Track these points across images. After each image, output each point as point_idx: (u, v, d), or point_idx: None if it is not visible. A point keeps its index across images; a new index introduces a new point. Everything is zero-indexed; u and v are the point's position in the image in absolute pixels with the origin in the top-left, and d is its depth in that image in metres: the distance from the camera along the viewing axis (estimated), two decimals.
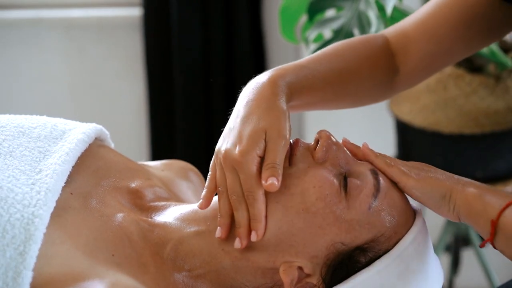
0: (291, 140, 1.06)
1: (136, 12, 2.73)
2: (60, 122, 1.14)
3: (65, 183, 1.03)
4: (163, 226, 1.06)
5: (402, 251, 1.03)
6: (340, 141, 1.08)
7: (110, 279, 0.95)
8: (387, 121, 2.44)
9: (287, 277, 1.00)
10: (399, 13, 1.99)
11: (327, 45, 1.77)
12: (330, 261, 1.01)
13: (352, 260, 1.02)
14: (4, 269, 0.93)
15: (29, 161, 1.05)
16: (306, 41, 1.89)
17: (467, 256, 2.45)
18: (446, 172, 1.06)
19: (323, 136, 1.05)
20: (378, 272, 1.02)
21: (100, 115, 2.84)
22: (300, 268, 1.01)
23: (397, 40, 1.25)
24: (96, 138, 1.15)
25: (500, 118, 2.10)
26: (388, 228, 1.03)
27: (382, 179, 1.05)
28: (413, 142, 2.21)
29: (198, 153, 2.69)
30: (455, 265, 2.40)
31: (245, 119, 1.05)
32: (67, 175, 1.04)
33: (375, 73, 1.23)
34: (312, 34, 1.84)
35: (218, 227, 1.02)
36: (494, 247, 1.00)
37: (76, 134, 1.10)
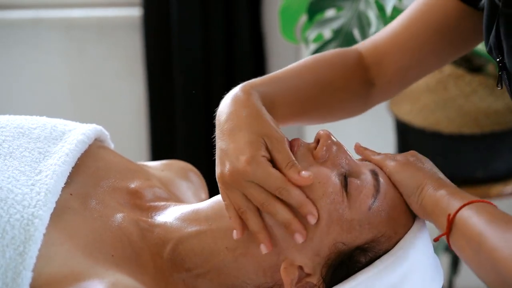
0: (291, 140, 1.06)
1: (136, 12, 2.73)
2: (60, 123, 1.14)
3: (64, 184, 1.03)
4: (163, 226, 1.06)
5: (402, 251, 1.03)
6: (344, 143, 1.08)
7: (110, 279, 0.95)
8: (387, 121, 2.44)
9: (287, 277, 1.01)
10: (399, 13, 1.99)
11: (327, 45, 1.79)
12: (330, 260, 1.02)
13: (353, 260, 1.02)
14: (4, 270, 0.93)
15: (29, 162, 1.05)
16: (306, 41, 1.89)
17: None
18: (435, 169, 1.07)
19: (323, 136, 1.05)
20: (379, 272, 1.02)
21: (100, 115, 2.84)
22: (300, 267, 1.01)
23: (370, 53, 1.24)
24: (96, 139, 1.15)
25: (500, 118, 2.10)
26: (388, 229, 1.03)
27: (382, 180, 1.05)
28: (413, 142, 2.21)
29: (198, 153, 2.69)
30: (455, 265, 2.40)
31: (234, 132, 1.01)
32: (67, 176, 1.04)
33: (349, 85, 1.22)
34: (312, 34, 1.84)
35: (262, 245, 1.00)
36: (450, 247, 1.00)
37: (76, 135, 1.10)
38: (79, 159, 1.08)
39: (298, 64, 1.19)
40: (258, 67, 2.71)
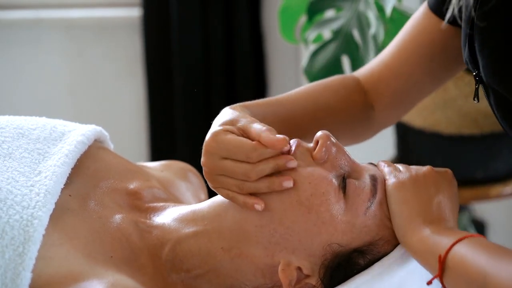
0: (291, 141, 1.06)
1: (135, 13, 2.73)
2: (60, 124, 1.14)
3: (64, 185, 1.03)
4: (161, 227, 1.06)
5: (402, 254, 1.03)
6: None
7: (109, 279, 0.95)
8: None
9: (286, 278, 1.01)
10: (399, 14, 1.99)
11: (327, 46, 1.79)
12: (327, 262, 1.02)
13: (351, 262, 1.02)
14: (3, 270, 0.94)
15: (29, 163, 1.05)
16: (306, 42, 1.89)
17: None
18: (439, 197, 1.03)
19: (323, 137, 1.05)
20: (378, 275, 1.02)
21: (99, 115, 2.84)
22: (299, 268, 1.02)
23: (366, 80, 1.27)
24: (95, 140, 1.15)
25: None
26: (386, 232, 1.04)
27: (379, 186, 1.05)
28: (412, 143, 2.21)
29: (198, 154, 2.68)
30: None
31: (211, 127, 1.05)
32: (66, 177, 1.05)
33: (349, 108, 1.24)
34: (312, 34, 1.84)
35: (256, 205, 1.00)
36: (444, 287, 0.97)
37: (76, 136, 1.11)
38: (78, 160, 1.09)
39: (296, 90, 1.22)
40: (258, 67, 2.71)
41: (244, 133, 1.02)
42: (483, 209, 2.58)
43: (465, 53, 1.12)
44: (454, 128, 2.12)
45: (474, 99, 1.14)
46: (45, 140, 1.10)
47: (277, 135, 0.99)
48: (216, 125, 1.03)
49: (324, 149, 1.04)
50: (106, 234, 1.01)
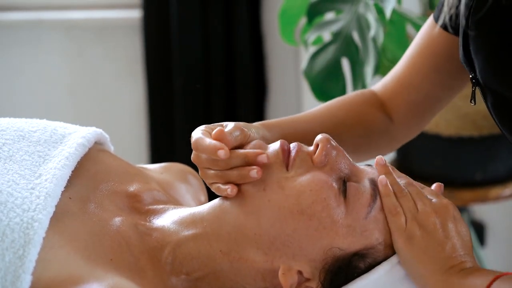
0: (291, 145, 1.06)
1: (136, 14, 2.73)
2: (60, 126, 1.14)
3: (64, 187, 1.04)
4: (161, 230, 1.06)
5: None
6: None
7: (109, 282, 0.95)
8: None
9: (286, 281, 1.01)
10: (398, 16, 1.99)
11: (326, 48, 1.79)
12: (328, 265, 1.02)
13: (351, 265, 1.02)
14: (3, 273, 0.94)
15: (29, 166, 1.05)
16: (305, 44, 1.89)
17: None
18: (446, 246, 1.01)
19: (323, 141, 1.05)
20: (379, 278, 1.02)
21: (99, 117, 2.84)
22: (299, 272, 1.02)
23: (382, 93, 1.29)
24: (95, 142, 1.15)
25: None
26: (387, 237, 1.04)
27: (379, 192, 1.05)
28: (412, 144, 2.21)
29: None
30: None
31: None
32: (67, 180, 1.05)
33: (367, 122, 1.26)
34: (311, 36, 1.84)
35: (228, 189, 1.03)
36: None
37: (76, 138, 1.11)
38: (78, 162, 1.09)
39: (315, 108, 1.25)
40: (258, 69, 2.71)
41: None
42: (482, 210, 2.58)
43: (461, 57, 1.13)
44: (453, 129, 2.12)
45: (471, 102, 1.15)
46: (46, 143, 1.10)
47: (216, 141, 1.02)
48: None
49: (324, 152, 1.04)
50: (106, 237, 1.02)
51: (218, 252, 1.03)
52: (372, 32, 1.70)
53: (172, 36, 2.66)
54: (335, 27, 1.78)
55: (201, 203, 1.23)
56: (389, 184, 1.05)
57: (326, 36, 1.95)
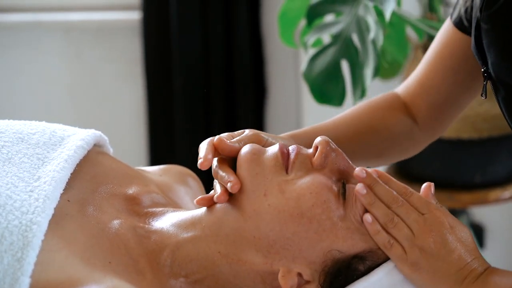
0: (290, 148, 1.06)
1: (135, 16, 2.74)
2: (59, 128, 1.14)
3: (63, 190, 1.04)
4: (160, 232, 1.06)
5: None
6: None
7: (108, 285, 0.95)
8: None
9: (286, 284, 1.01)
10: (398, 18, 1.99)
11: (326, 50, 1.79)
12: (328, 268, 1.02)
13: (351, 268, 1.02)
14: (2, 276, 0.94)
15: (28, 168, 1.05)
16: (305, 46, 1.89)
17: None
18: (452, 259, 1.00)
19: (322, 143, 1.05)
20: (379, 280, 1.02)
21: (99, 118, 2.84)
22: (299, 274, 1.01)
23: (404, 95, 1.30)
24: (94, 144, 1.15)
25: (498, 122, 2.10)
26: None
27: None
28: None
29: (197, 157, 2.68)
30: None
31: None
32: (66, 182, 1.05)
33: (392, 125, 1.27)
34: (311, 39, 1.84)
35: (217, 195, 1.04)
36: None
37: (75, 140, 1.11)
38: (77, 165, 1.08)
39: (340, 114, 1.27)
40: (257, 71, 2.71)
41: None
42: (482, 213, 2.58)
43: (473, 49, 1.13)
44: (453, 132, 2.12)
45: (481, 95, 1.15)
46: (45, 145, 1.10)
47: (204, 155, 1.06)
48: None
49: (323, 155, 1.04)
50: (105, 240, 1.01)
51: (217, 254, 1.03)
52: (371, 34, 1.70)
53: (171, 38, 2.66)
54: (334, 29, 1.78)
55: (200, 206, 1.23)
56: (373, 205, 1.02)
57: (326, 38, 1.94)
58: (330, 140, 1.05)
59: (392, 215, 1.01)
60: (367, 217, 1.01)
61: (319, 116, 2.59)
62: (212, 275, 1.04)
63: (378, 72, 1.70)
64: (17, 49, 2.80)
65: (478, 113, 2.10)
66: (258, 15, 2.68)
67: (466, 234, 1.02)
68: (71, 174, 1.06)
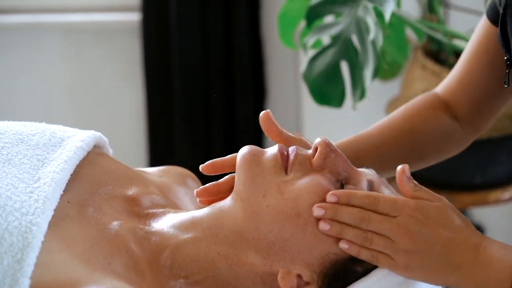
0: (290, 148, 1.06)
1: (135, 17, 2.74)
2: (59, 130, 1.14)
3: (63, 191, 1.04)
4: (160, 234, 1.06)
5: None
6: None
7: (107, 286, 0.95)
8: None
9: (285, 285, 1.01)
10: (397, 19, 2.00)
11: (326, 51, 1.79)
12: (326, 269, 1.02)
13: (349, 269, 1.02)
14: (2, 277, 0.94)
15: (28, 169, 1.05)
16: (305, 47, 1.89)
17: None
18: (440, 246, 0.98)
19: (322, 144, 1.05)
20: (377, 282, 1.02)
21: (98, 119, 2.84)
22: (299, 276, 1.01)
23: (444, 93, 1.30)
24: (94, 146, 1.15)
25: (497, 124, 2.10)
26: None
27: (376, 189, 1.05)
28: None
29: (197, 158, 2.69)
30: None
31: None
32: (65, 183, 1.05)
33: (435, 126, 1.27)
34: (311, 40, 1.84)
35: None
36: None
37: (75, 142, 1.11)
38: (77, 166, 1.09)
39: (381, 121, 1.27)
40: (257, 72, 2.71)
41: None
42: (482, 214, 2.58)
43: (498, 36, 1.14)
44: None
45: (504, 84, 1.15)
46: (45, 146, 1.10)
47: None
48: None
49: (323, 156, 1.04)
50: (104, 241, 1.01)
51: (217, 255, 1.03)
52: (371, 36, 1.70)
53: (171, 39, 2.66)
54: (334, 31, 1.78)
55: (200, 207, 1.23)
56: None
57: (325, 39, 1.94)
58: (330, 141, 1.06)
59: (365, 233, 0.99)
60: (343, 245, 1.00)
61: (319, 117, 2.59)
62: (212, 276, 1.04)
63: (378, 73, 1.70)
64: (17, 50, 2.80)
65: None
66: (258, 16, 2.68)
67: (444, 213, 0.99)
68: (71, 175, 1.06)
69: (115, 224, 1.05)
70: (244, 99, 2.67)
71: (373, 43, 1.69)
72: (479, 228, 2.55)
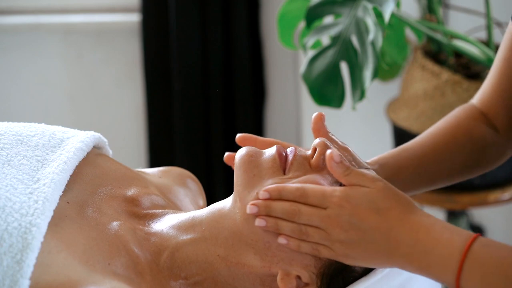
0: (288, 149, 1.06)
1: (134, 18, 2.74)
2: (59, 130, 1.14)
3: (62, 192, 1.04)
4: (159, 234, 1.06)
5: None
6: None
7: (107, 286, 0.95)
8: (385, 127, 2.44)
9: (285, 286, 1.01)
10: (397, 20, 2.00)
11: (325, 52, 1.79)
12: (324, 270, 1.02)
13: (347, 269, 1.02)
14: (1, 278, 0.94)
15: (27, 170, 1.05)
16: (304, 48, 1.89)
17: None
18: (370, 222, 0.96)
19: (321, 145, 1.05)
20: (377, 282, 1.02)
21: (98, 121, 2.84)
22: (298, 277, 1.02)
23: (481, 103, 1.28)
24: (94, 146, 1.15)
25: None
26: None
27: None
28: None
29: (196, 160, 2.69)
30: None
31: None
32: (65, 184, 1.05)
33: (475, 137, 1.25)
34: (310, 40, 1.84)
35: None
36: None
37: (74, 142, 1.11)
38: (77, 167, 1.09)
39: (422, 134, 1.25)
40: (256, 73, 2.71)
41: None
42: (481, 214, 2.58)
43: None
44: None
45: None
46: (44, 147, 1.10)
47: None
48: None
49: (322, 156, 1.04)
50: (104, 242, 1.02)
51: (216, 257, 1.03)
52: (371, 36, 1.70)
53: (171, 40, 2.66)
54: (333, 31, 1.78)
55: (200, 207, 1.23)
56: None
57: (325, 40, 1.95)
58: (329, 142, 1.06)
59: (299, 227, 0.99)
60: (281, 240, 1.00)
61: None
62: (211, 277, 1.04)
63: (377, 73, 1.70)
64: (17, 51, 2.80)
65: None
66: (257, 17, 2.68)
67: (371, 197, 0.97)
68: (71, 176, 1.07)
69: (114, 224, 1.05)
70: (244, 99, 2.67)
71: (373, 43, 1.69)
72: (479, 229, 2.55)
